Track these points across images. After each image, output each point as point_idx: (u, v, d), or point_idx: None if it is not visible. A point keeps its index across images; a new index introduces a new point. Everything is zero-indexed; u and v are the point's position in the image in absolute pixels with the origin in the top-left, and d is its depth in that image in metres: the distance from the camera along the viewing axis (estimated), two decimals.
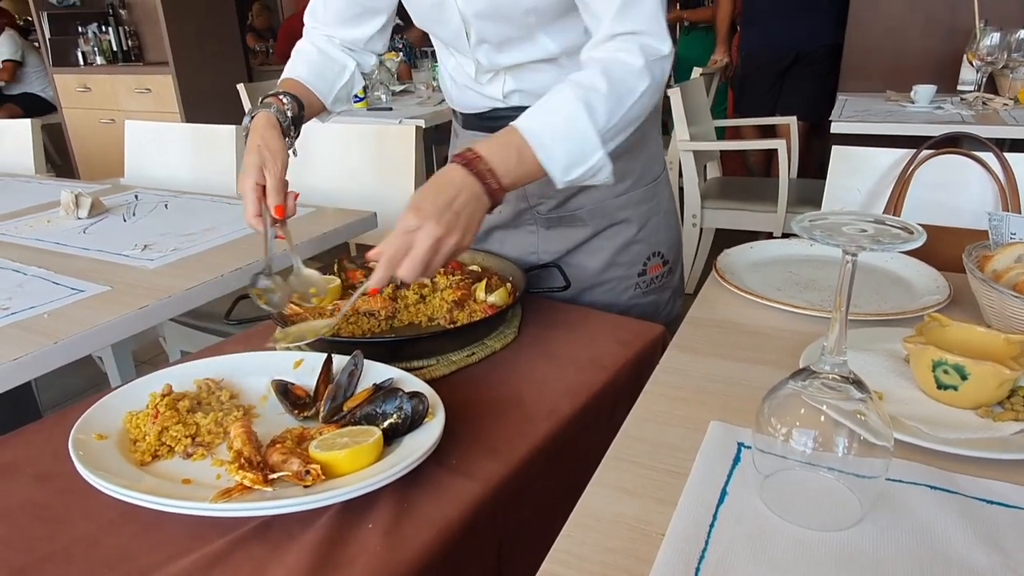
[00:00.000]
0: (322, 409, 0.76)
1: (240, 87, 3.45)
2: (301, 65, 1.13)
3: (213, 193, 1.77)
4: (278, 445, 0.70)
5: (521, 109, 1.07)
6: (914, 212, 1.38)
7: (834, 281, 0.56)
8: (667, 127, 2.93)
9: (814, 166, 3.34)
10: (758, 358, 0.82)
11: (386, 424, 0.71)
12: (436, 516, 0.64)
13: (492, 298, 0.98)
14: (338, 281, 1.05)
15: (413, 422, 0.71)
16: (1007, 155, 1.32)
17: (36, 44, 5.31)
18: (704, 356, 0.83)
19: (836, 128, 2.28)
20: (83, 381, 2.35)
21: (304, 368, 0.85)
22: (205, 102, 4.52)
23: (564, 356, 0.93)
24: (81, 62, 4.99)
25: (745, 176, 3.80)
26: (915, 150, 1.39)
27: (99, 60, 4.95)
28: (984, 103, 2.45)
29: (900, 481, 0.60)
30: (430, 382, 0.80)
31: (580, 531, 0.57)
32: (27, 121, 2.46)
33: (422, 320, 0.98)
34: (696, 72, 3.52)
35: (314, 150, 1.95)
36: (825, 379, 0.56)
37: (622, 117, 0.87)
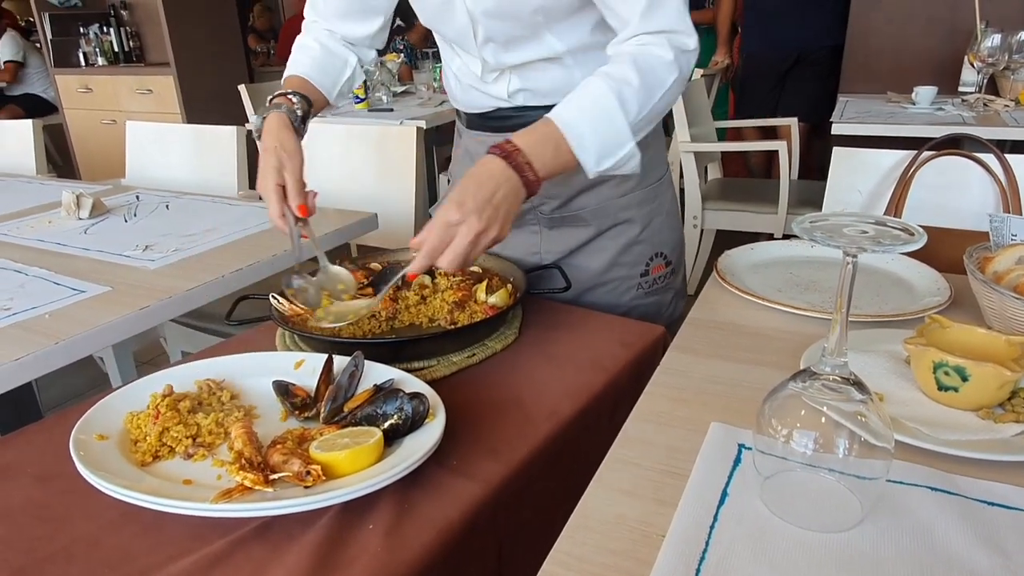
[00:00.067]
0: (323, 410, 0.76)
1: (241, 88, 3.45)
2: (305, 61, 1.13)
3: (214, 194, 1.77)
4: (279, 446, 0.70)
5: (525, 109, 1.08)
6: (915, 213, 1.38)
7: (835, 282, 0.56)
8: (668, 128, 2.93)
9: (815, 167, 3.34)
10: (759, 359, 0.82)
11: (387, 425, 0.71)
12: (436, 517, 0.64)
13: (493, 299, 0.98)
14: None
15: (414, 423, 0.71)
16: (1008, 156, 1.32)
17: (38, 45, 5.32)
18: (705, 357, 0.83)
19: (837, 129, 2.28)
20: (84, 381, 2.35)
21: (305, 369, 0.85)
22: (206, 103, 4.53)
23: (565, 357, 0.93)
24: (82, 63, 4.99)
25: (746, 177, 3.80)
26: (916, 151, 1.39)
27: (100, 61, 4.95)
28: (985, 104, 2.45)
29: (901, 483, 0.60)
30: (431, 383, 0.80)
31: (580, 532, 0.57)
32: (28, 122, 2.47)
33: (423, 321, 0.98)
34: (697, 73, 3.52)
35: (315, 151, 1.94)
36: (826, 380, 0.56)
37: (652, 109, 0.91)
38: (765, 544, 0.54)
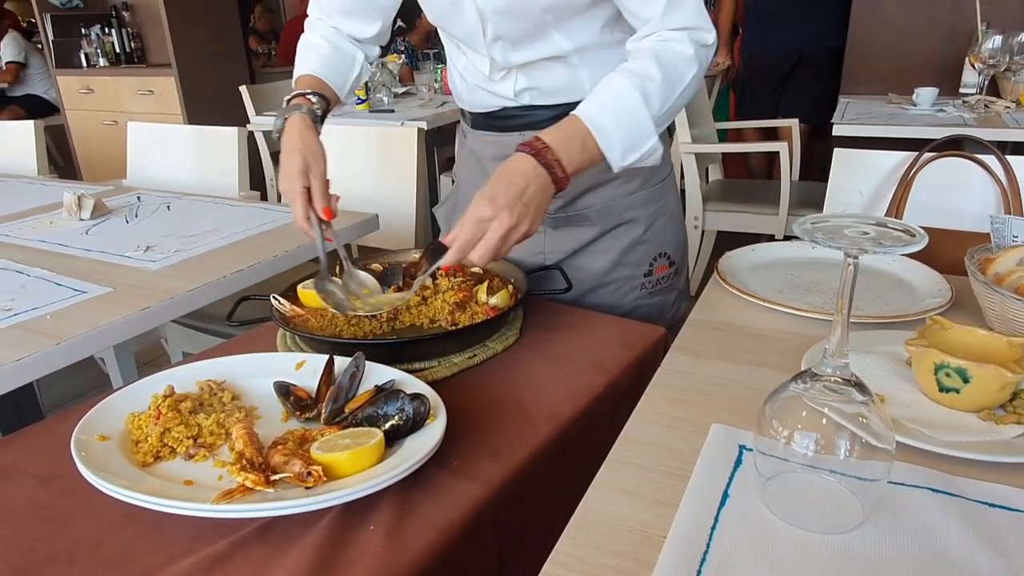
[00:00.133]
0: (324, 411, 0.76)
1: (242, 89, 3.45)
2: (315, 60, 1.13)
3: (215, 195, 1.77)
4: (280, 446, 0.70)
5: (531, 108, 1.08)
6: (916, 215, 1.38)
7: (836, 284, 0.56)
8: (670, 129, 2.92)
9: (816, 169, 3.34)
10: (760, 360, 0.82)
11: (387, 426, 0.71)
12: (437, 518, 0.64)
13: (494, 300, 0.98)
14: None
15: (414, 424, 0.71)
16: (1009, 158, 1.32)
17: (39, 46, 5.32)
18: (706, 358, 0.83)
19: (838, 131, 2.28)
20: (85, 382, 2.35)
21: (306, 370, 0.85)
22: (207, 104, 4.53)
23: (565, 358, 0.93)
24: (84, 64, 5.00)
25: (747, 178, 3.80)
26: (917, 153, 1.39)
27: (102, 62, 4.95)
28: (986, 106, 2.45)
29: (902, 484, 0.60)
30: (432, 384, 0.80)
31: (581, 533, 0.57)
32: (30, 122, 2.47)
33: (424, 322, 0.98)
34: None
35: None
36: (827, 382, 0.56)
37: (674, 103, 0.94)
38: (766, 545, 0.54)
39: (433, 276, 1.07)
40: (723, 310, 0.95)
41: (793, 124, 3.05)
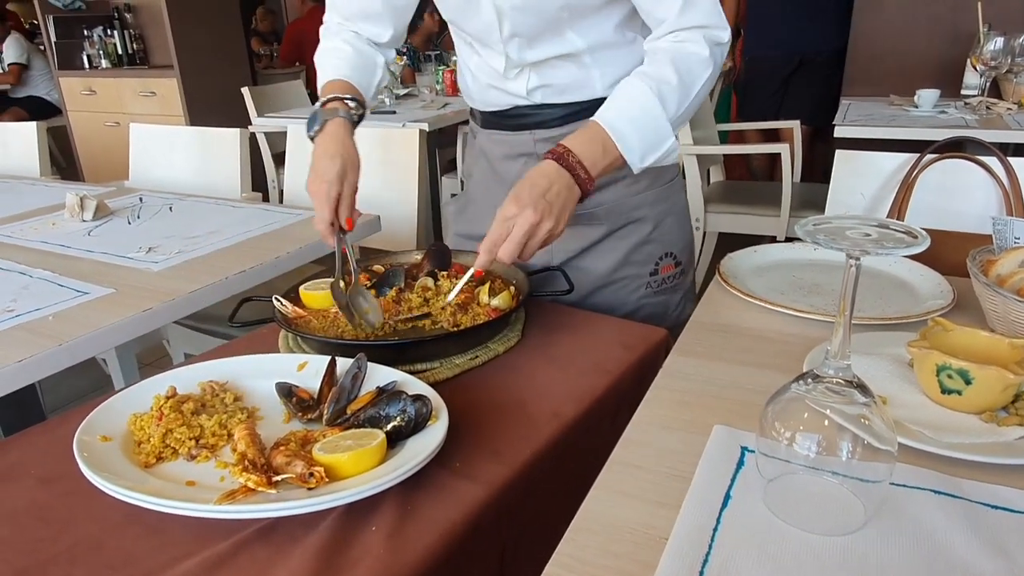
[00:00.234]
0: (326, 412, 0.76)
1: (244, 90, 3.46)
2: (341, 65, 1.13)
3: (217, 196, 1.77)
4: (282, 447, 0.70)
5: (543, 106, 1.09)
6: (918, 216, 1.38)
7: (838, 285, 0.56)
8: None
9: (818, 170, 3.34)
10: (761, 362, 0.82)
11: (389, 427, 0.71)
12: (439, 519, 0.64)
13: (496, 301, 0.98)
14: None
15: (416, 425, 0.72)
16: (1011, 159, 1.32)
17: (42, 47, 5.34)
18: (707, 360, 0.83)
19: (840, 132, 2.28)
20: (87, 383, 2.35)
21: (308, 371, 0.85)
22: (210, 105, 4.53)
23: (567, 359, 0.93)
24: (86, 65, 5.00)
25: (749, 180, 3.80)
26: (919, 154, 1.39)
27: (104, 63, 4.96)
28: (988, 107, 2.44)
29: (904, 486, 0.60)
30: (433, 385, 0.80)
31: (583, 535, 0.57)
32: (33, 124, 2.47)
33: (425, 323, 0.98)
34: None
35: None
36: (829, 383, 0.56)
37: (690, 104, 0.97)
38: (768, 547, 0.54)
39: (435, 277, 1.07)
40: (725, 311, 0.95)
41: (795, 126, 3.05)
